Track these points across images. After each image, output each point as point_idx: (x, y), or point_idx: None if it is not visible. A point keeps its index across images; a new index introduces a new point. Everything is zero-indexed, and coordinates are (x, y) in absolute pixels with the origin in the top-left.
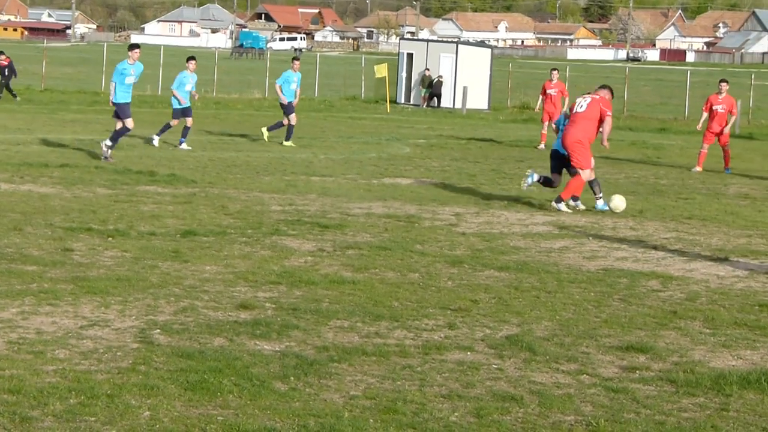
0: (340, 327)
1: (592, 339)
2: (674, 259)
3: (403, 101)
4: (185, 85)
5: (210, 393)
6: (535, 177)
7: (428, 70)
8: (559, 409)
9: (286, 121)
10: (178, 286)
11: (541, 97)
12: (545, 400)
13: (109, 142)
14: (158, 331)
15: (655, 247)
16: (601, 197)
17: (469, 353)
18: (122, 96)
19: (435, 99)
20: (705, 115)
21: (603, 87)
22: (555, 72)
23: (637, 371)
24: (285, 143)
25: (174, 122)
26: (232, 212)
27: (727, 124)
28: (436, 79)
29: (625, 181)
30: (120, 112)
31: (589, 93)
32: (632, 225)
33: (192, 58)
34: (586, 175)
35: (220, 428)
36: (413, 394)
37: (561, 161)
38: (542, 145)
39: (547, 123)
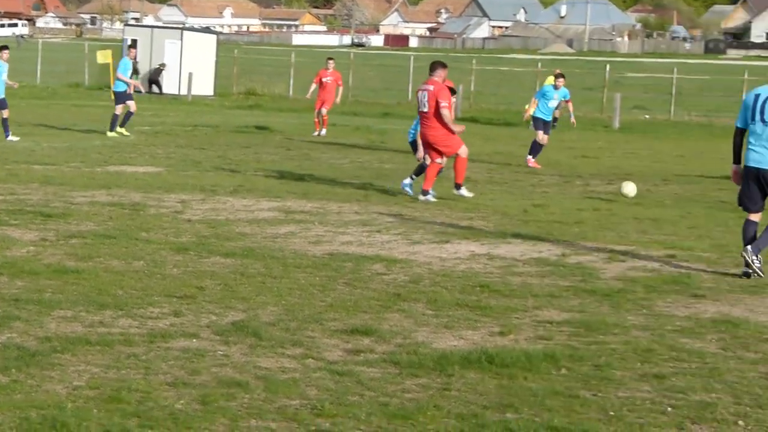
0: (63, 317)
1: (318, 323)
2: (398, 242)
3: None
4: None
5: None
6: (407, 182)
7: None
8: (285, 393)
9: (119, 110)
10: None
11: (314, 84)
12: (271, 385)
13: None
14: None
15: (379, 231)
16: (413, 179)
17: (194, 340)
18: None
19: (155, 86)
20: None
21: (435, 67)
22: (331, 61)
23: (362, 354)
24: (119, 129)
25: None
26: None
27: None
28: (157, 66)
29: (350, 166)
30: None
31: (425, 82)
32: (357, 209)
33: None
34: (464, 152)
35: None
36: (138, 382)
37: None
38: (317, 132)
39: (322, 110)
